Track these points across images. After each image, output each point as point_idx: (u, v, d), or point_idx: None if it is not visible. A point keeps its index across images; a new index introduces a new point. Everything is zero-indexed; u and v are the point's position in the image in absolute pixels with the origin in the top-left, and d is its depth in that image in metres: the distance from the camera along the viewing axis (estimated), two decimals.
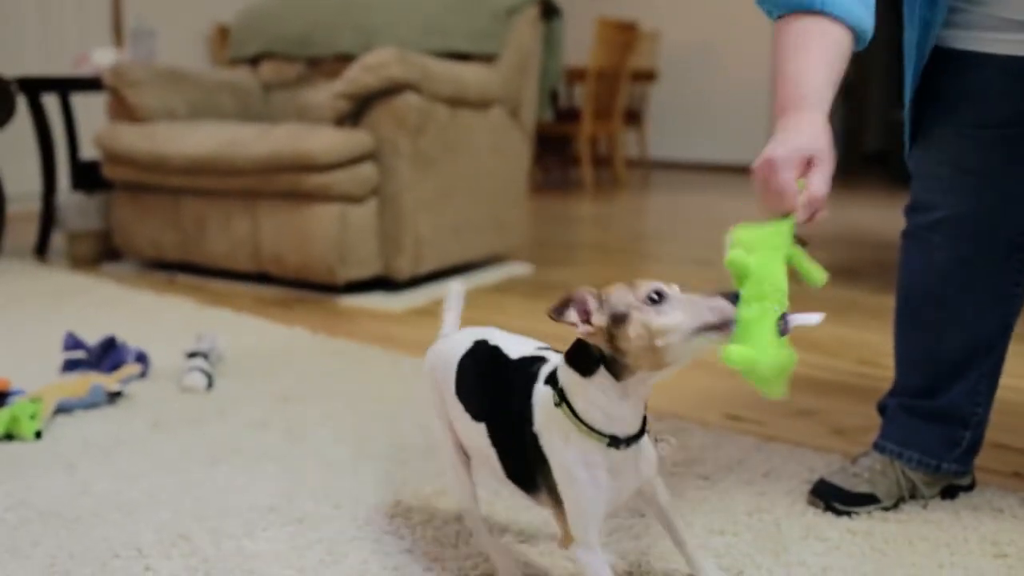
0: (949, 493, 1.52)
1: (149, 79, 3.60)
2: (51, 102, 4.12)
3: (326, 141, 2.90)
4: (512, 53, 3.40)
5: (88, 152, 4.24)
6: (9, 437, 1.80)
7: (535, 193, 6.22)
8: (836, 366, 2.34)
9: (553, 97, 3.80)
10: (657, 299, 0.98)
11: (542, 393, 1.07)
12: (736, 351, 0.95)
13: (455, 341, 1.24)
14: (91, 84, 3.95)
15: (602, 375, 1.01)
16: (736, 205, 5.78)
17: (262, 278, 3.28)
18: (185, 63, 6.24)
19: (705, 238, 4.43)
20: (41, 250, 3.95)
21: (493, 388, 1.14)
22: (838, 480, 1.48)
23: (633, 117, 7.22)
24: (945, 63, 1.38)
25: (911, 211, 1.49)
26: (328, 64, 3.80)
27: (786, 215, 1.11)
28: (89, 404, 1.95)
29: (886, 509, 1.47)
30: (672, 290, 1.00)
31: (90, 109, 4.88)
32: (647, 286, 0.99)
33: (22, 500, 1.53)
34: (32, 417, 1.80)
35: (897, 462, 1.50)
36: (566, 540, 1.07)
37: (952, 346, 1.46)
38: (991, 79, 1.35)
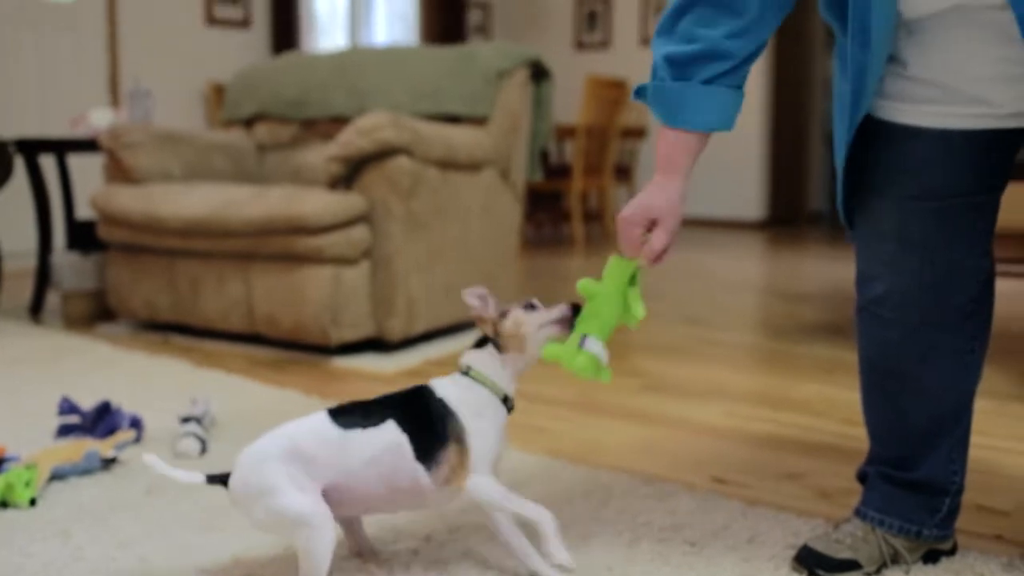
0: (931, 558, 1.55)
1: (145, 141, 3.66)
2: (48, 161, 4.17)
3: (320, 204, 2.95)
4: (502, 115, 3.47)
5: (84, 211, 4.29)
6: (3, 504, 1.81)
7: (526, 249, 6.28)
8: (822, 427, 2.37)
9: (543, 157, 3.87)
10: (530, 307, 1.48)
11: (445, 386, 1.46)
12: (548, 349, 1.43)
13: (283, 431, 1.46)
14: (88, 145, 4.01)
15: (490, 348, 1.48)
16: (724, 261, 5.84)
17: (255, 339, 3.31)
18: (181, 121, 6.33)
19: (694, 296, 4.48)
20: (36, 309, 3.98)
21: (395, 406, 1.46)
22: (821, 547, 1.51)
23: (623, 173, 7.30)
24: (880, 134, 1.41)
25: (859, 285, 1.50)
26: (322, 125, 3.87)
27: (632, 259, 1.46)
28: (84, 470, 1.97)
29: (868, 575, 1.50)
30: (538, 304, 1.49)
31: (86, 169, 4.94)
32: (525, 299, 1.50)
33: (17, 567, 1.55)
34: (27, 484, 1.82)
35: (879, 529, 1.52)
36: (466, 476, 1.39)
37: (918, 418, 1.49)
38: (926, 151, 1.37)
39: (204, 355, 3.19)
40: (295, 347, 3.22)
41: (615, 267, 1.45)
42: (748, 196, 8.00)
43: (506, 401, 1.47)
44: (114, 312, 3.72)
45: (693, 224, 8.04)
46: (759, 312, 4.15)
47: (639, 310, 1.44)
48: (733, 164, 7.97)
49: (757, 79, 7.84)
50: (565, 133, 6.44)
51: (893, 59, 1.38)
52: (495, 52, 3.53)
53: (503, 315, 1.47)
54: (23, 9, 5.79)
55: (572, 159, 6.51)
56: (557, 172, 6.52)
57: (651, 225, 1.45)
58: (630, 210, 1.45)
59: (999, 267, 1.52)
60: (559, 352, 1.41)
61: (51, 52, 5.87)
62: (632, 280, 1.46)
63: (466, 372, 1.48)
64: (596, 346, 1.40)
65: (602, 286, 1.44)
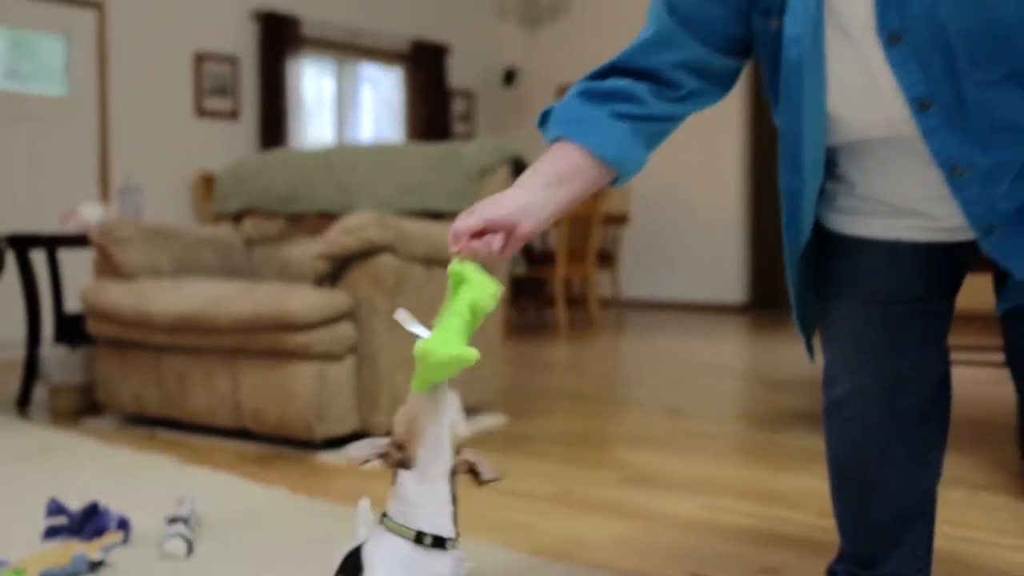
0: None
1: (135, 237, 3.73)
2: (38, 255, 4.24)
3: (306, 301, 3.02)
4: None
5: (72, 304, 4.35)
6: None
7: (511, 336, 6.35)
8: (799, 519, 2.41)
9: (525, 248, 3.95)
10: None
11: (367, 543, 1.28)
12: (418, 344, 1.26)
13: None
14: (78, 240, 4.08)
15: (401, 474, 1.27)
16: (705, 346, 5.91)
17: (242, 433, 3.35)
18: (170, 211, 6.43)
19: (675, 383, 4.54)
20: (23, 403, 4.01)
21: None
22: None
23: (606, 258, 7.41)
24: (833, 244, 1.49)
25: (824, 386, 1.58)
26: (309, 220, 3.96)
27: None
28: (71, 573, 2.00)
29: None
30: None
31: (75, 262, 5.01)
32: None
33: None
34: None
35: None
36: None
37: (882, 516, 1.55)
38: (878, 261, 1.45)
39: (191, 450, 3.22)
40: (281, 441, 3.25)
41: (455, 271, 1.33)
42: (729, 279, 8.12)
43: (420, 539, 1.25)
44: (101, 406, 3.75)
45: (674, 307, 8.13)
46: (739, 400, 4.20)
47: (490, 287, 1.31)
48: (714, 247, 8.11)
49: (736, 160, 8.02)
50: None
51: (842, 180, 1.47)
52: (478, 149, 3.63)
53: (393, 439, 1.31)
54: (16, 101, 5.91)
55: (555, 246, 6.62)
56: (541, 259, 6.63)
57: (484, 232, 1.36)
58: (464, 220, 1.35)
59: (964, 355, 1.60)
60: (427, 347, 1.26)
61: (43, 145, 5.98)
62: (471, 273, 1.32)
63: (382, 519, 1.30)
64: (418, 328, 1.31)
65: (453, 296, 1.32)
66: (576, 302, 7.72)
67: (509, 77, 9.05)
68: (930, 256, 1.45)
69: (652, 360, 5.31)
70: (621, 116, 1.40)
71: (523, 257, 3.91)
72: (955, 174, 1.28)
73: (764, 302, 8.38)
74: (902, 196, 1.40)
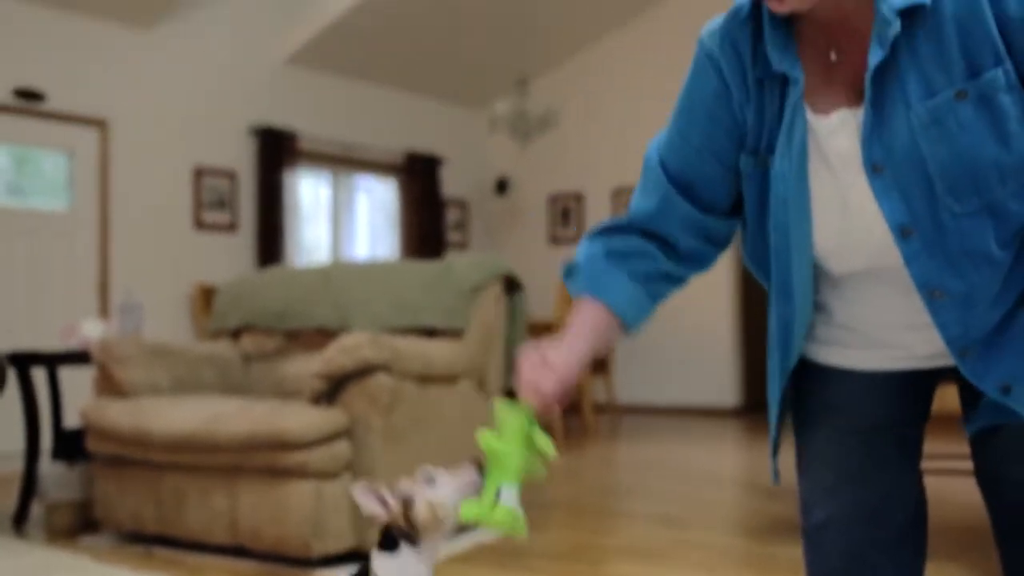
0: None
1: (136, 355, 3.80)
2: (38, 371, 4.30)
3: (303, 420, 3.08)
4: (478, 328, 3.66)
5: (71, 419, 4.39)
6: None
7: None
8: None
9: None
10: (430, 481, 1.41)
11: None
12: (465, 509, 1.35)
13: None
14: (78, 357, 4.15)
15: (405, 550, 1.38)
16: (700, 452, 5.94)
17: (238, 551, 3.37)
18: (168, 322, 6.52)
19: (671, 492, 4.57)
20: (20, 520, 4.02)
21: None
22: None
23: (599, 365, 7.48)
24: (813, 373, 1.55)
25: (802, 511, 1.61)
26: (306, 337, 4.04)
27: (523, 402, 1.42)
28: None
29: None
30: (439, 472, 1.43)
31: (76, 377, 5.07)
32: (421, 472, 1.43)
33: None
34: None
35: None
36: None
37: None
38: (854, 390, 1.51)
39: (187, 569, 3.24)
40: (277, 559, 3.27)
41: (507, 413, 1.40)
42: (722, 383, 8.18)
43: None
44: (98, 523, 3.77)
45: (668, 412, 8.17)
46: (735, 509, 4.23)
47: (548, 449, 1.40)
48: (706, 351, 8.19)
49: (726, 263, 8.15)
50: (541, 330, 6.64)
51: (821, 308, 1.55)
52: (470, 267, 3.74)
53: (408, 503, 1.40)
54: (17, 217, 6.05)
55: None
56: None
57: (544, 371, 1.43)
58: (531, 354, 1.44)
59: (943, 463, 1.65)
60: (478, 512, 1.35)
61: (44, 260, 6.09)
62: (530, 422, 1.41)
63: None
64: (512, 498, 1.35)
65: (503, 436, 1.38)
66: (571, 408, 7.76)
67: (501, 186, 9.25)
68: (904, 384, 1.51)
69: (647, 467, 5.34)
70: (638, 276, 1.52)
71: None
72: (934, 298, 1.35)
73: (758, 405, 8.42)
74: (879, 325, 1.47)
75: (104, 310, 6.27)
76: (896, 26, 1.26)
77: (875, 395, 1.52)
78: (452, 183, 9.00)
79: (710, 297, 8.19)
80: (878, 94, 1.30)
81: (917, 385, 1.52)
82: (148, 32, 6.70)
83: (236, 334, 4.28)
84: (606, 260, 1.53)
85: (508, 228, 9.37)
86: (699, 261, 1.58)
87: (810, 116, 1.37)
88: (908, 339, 1.45)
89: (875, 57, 1.28)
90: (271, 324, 4.12)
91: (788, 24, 1.38)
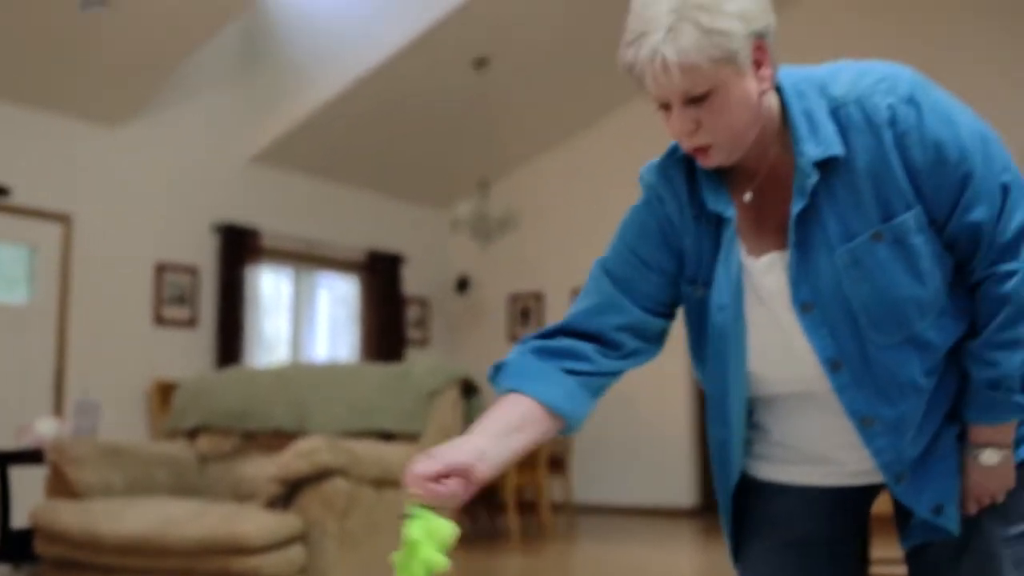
0: None
1: (91, 455, 3.78)
2: None
3: (258, 525, 3.07)
4: (435, 432, 3.69)
5: (20, 519, 4.33)
6: None
7: (463, 544, 6.31)
8: None
9: None
10: None
11: None
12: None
13: None
14: (31, 456, 4.11)
15: None
16: (657, 554, 5.93)
17: None
18: (125, 418, 6.45)
19: None
20: None
21: None
22: None
23: (557, 464, 7.49)
24: (752, 488, 1.61)
25: None
26: (263, 438, 4.04)
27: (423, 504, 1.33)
28: None
29: None
30: None
31: (27, 476, 5.00)
32: None
33: None
34: None
35: None
36: None
37: None
38: (791, 505, 1.57)
39: None
40: None
41: (407, 526, 1.32)
42: (679, 483, 8.19)
43: None
44: None
45: (626, 512, 8.16)
46: None
47: (435, 562, 1.30)
48: (663, 451, 8.22)
49: (682, 365, 8.25)
50: None
51: (758, 427, 1.61)
52: (428, 371, 3.79)
53: None
54: None
55: None
56: None
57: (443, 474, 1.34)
58: (425, 464, 1.33)
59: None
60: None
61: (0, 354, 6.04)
62: (422, 526, 1.32)
63: None
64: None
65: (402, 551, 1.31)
66: (528, 507, 7.74)
67: (462, 285, 9.35)
68: (840, 499, 1.57)
69: (606, 571, 5.32)
70: (570, 372, 1.50)
71: None
72: (865, 425, 1.43)
73: (715, 505, 8.42)
74: (814, 443, 1.54)
75: (60, 406, 6.20)
76: (814, 177, 1.36)
77: (811, 510, 1.57)
78: (413, 281, 9.09)
79: (667, 397, 8.26)
80: (802, 238, 1.39)
81: (853, 500, 1.58)
82: (115, 130, 6.79)
83: (192, 434, 4.27)
84: (537, 357, 1.50)
85: (468, 326, 9.44)
86: (636, 358, 1.58)
87: (744, 256, 1.46)
88: (843, 456, 1.51)
89: (796, 205, 1.38)
90: (228, 425, 4.12)
91: (719, 167, 1.46)
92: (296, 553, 3.14)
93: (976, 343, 1.39)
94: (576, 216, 8.79)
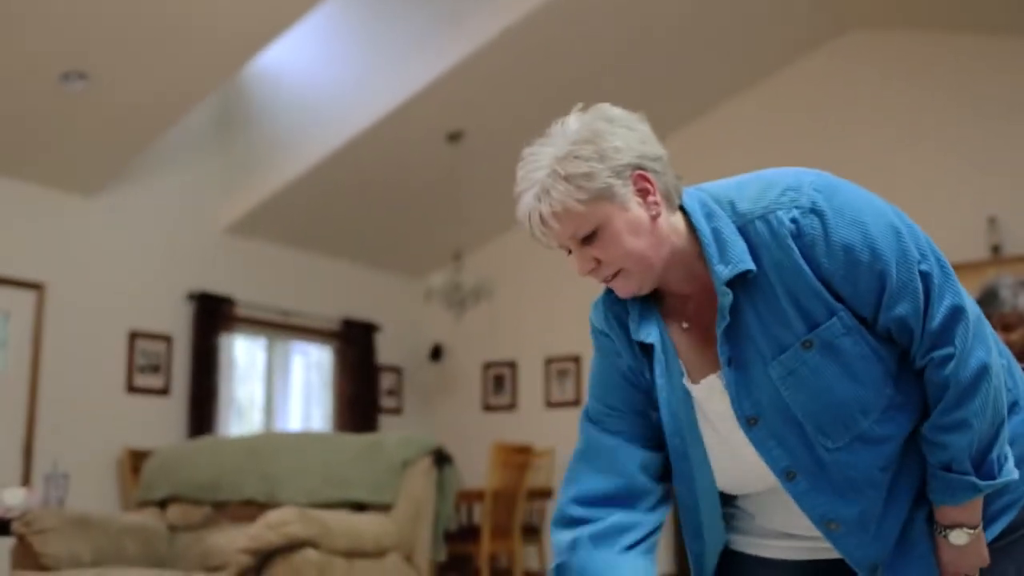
0: None
1: (58, 527, 3.75)
2: None
3: None
4: (407, 502, 3.70)
5: None
6: None
7: None
8: None
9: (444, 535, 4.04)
10: None
11: None
12: None
13: None
14: None
15: None
16: None
17: None
18: (95, 487, 6.39)
19: None
20: None
21: None
22: None
23: (531, 532, 7.45)
24: (736, 562, 1.64)
25: None
26: (233, 508, 4.03)
27: None
28: None
29: None
30: None
31: None
32: None
33: None
34: None
35: None
36: None
37: None
38: None
39: None
40: None
41: None
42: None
43: None
44: None
45: None
46: None
47: None
48: None
49: None
50: (473, 497, 6.64)
51: (740, 508, 1.64)
52: (400, 442, 3.81)
53: None
54: None
55: (480, 521, 6.67)
56: (466, 534, 6.65)
57: None
58: None
59: None
60: None
61: None
62: None
63: None
64: None
65: None
66: (502, 575, 7.68)
67: (436, 353, 9.37)
68: (819, 571, 1.58)
69: None
70: (630, 547, 1.53)
71: (444, 541, 4.00)
72: (830, 528, 1.46)
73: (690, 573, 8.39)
74: (793, 527, 1.56)
75: (28, 475, 6.14)
76: (728, 296, 1.40)
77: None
78: (387, 350, 9.10)
79: None
80: (735, 355, 1.43)
81: (830, 572, 1.57)
82: (90, 199, 6.82)
83: (163, 504, 4.25)
84: (595, 547, 1.52)
85: (442, 395, 9.44)
86: (665, 501, 1.60)
87: (687, 384, 1.50)
88: (820, 532, 1.53)
89: (720, 325, 1.42)
90: (199, 495, 4.11)
91: (652, 297, 1.52)
92: None
93: (926, 427, 1.42)
94: (549, 286, 8.87)
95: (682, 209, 1.47)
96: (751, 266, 1.39)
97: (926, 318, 1.38)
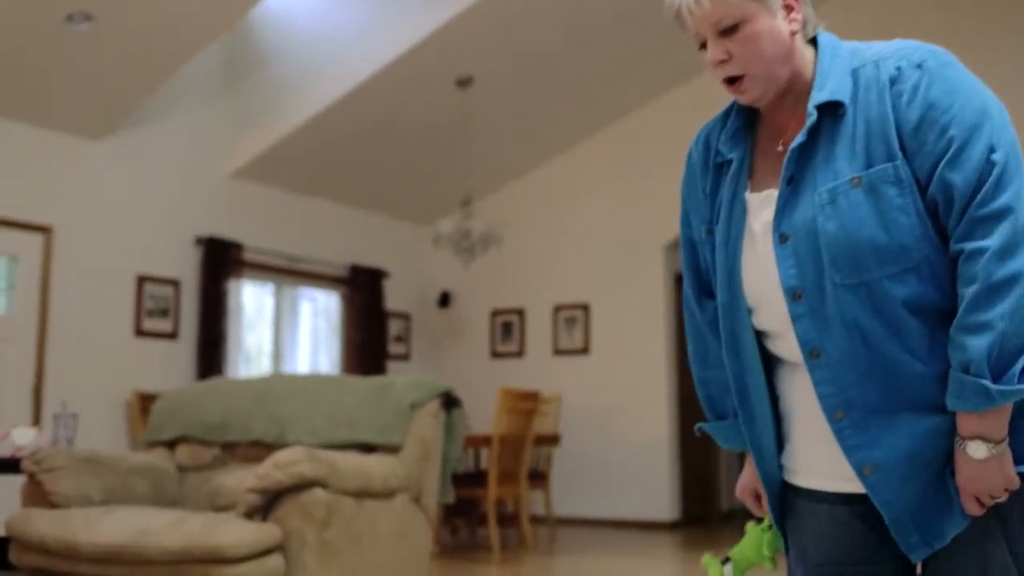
0: None
1: (67, 466, 3.77)
2: None
3: (236, 535, 3.08)
4: (415, 444, 3.70)
5: None
6: None
7: (442, 557, 6.33)
8: None
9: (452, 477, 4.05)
10: None
11: None
12: (706, 561, 1.72)
13: None
14: (7, 465, 4.09)
15: None
16: (637, 566, 5.94)
17: None
18: (104, 429, 6.44)
19: None
20: None
21: None
22: None
23: (538, 478, 7.49)
24: (789, 499, 1.63)
25: None
26: (242, 449, 4.04)
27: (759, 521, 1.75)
28: None
29: None
30: None
31: (2, 484, 4.97)
32: None
33: None
34: None
35: None
36: None
37: None
38: (822, 522, 1.56)
39: None
40: None
41: (751, 530, 1.77)
42: (659, 497, 8.21)
43: None
44: None
45: (605, 525, 8.17)
46: None
47: (767, 551, 1.73)
48: (644, 465, 8.24)
49: (665, 378, 8.28)
50: (480, 442, 6.67)
51: (782, 417, 1.64)
52: (408, 385, 3.80)
53: None
54: None
55: (487, 466, 6.71)
56: (473, 479, 6.69)
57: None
58: (739, 488, 1.80)
59: None
60: (709, 564, 1.71)
61: None
62: (766, 534, 1.74)
63: None
64: (728, 570, 1.71)
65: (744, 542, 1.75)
66: (508, 520, 7.74)
67: (444, 300, 9.36)
68: (863, 515, 1.53)
69: None
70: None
71: (453, 485, 4.01)
72: (812, 357, 1.50)
73: (695, 518, 8.46)
74: (817, 418, 1.53)
75: (38, 417, 6.18)
76: (813, 116, 1.49)
77: (838, 528, 1.56)
78: (395, 296, 9.10)
79: (648, 412, 8.29)
80: (796, 174, 1.52)
81: (879, 520, 1.52)
82: (98, 142, 6.79)
83: (171, 445, 4.26)
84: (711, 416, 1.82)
85: (450, 341, 9.45)
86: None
87: (748, 194, 1.60)
88: (806, 366, 1.53)
89: (796, 141, 1.51)
90: (207, 436, 4.12)
91: (751, 117, 1.63)
92: (274, 563, 3.14)
93: (952, 326, 1.41)
94: (559, 234, 8.84)
95: (812, 44, 1.58)
96: (843, 99, 1.49)
97: (973, 200, 1.39)
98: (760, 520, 1.76)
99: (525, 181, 9.09)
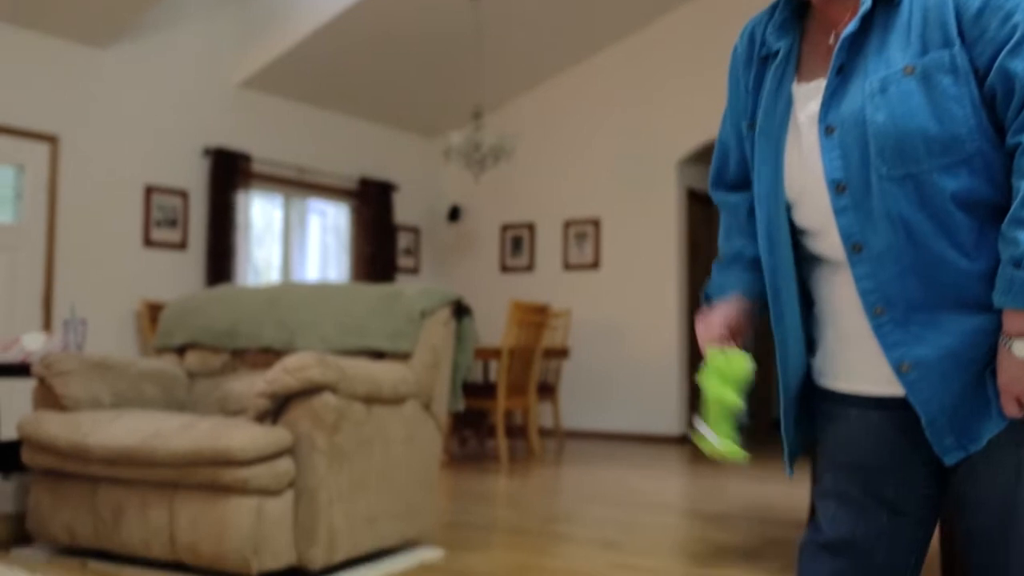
0: None
1: (77, 370, 3.77)
2: None
3: (246, 438, 3.07)
4: (425, 351, 3.68)
5: (8, 431, 4.34)
6: None
7: (451, 466, 6.38)
8: None
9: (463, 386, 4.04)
10: None
11: None
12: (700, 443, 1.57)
13: None
14: (18, 370, 4.10)
15: None
16: (644, 479, 5.99)
17: (176, 567, 3.35)
18: (114, 338, 6.46)
19: (612, 517, 4.61)
20: None
21: None
22: None
23: (547, 390, 7.52)
24: (819, 403, 1.59)
25: (810, 522, 1.62)
26: (251, 356, 4.03)
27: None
28: None
29: None
30: None
31: (14, 389, 5.01)
32: None
33: None
34: None
35: None
36: None
37: None
38: (853, 428, 1.53)
39: None
40: (216, 575, 3.26)
41: (710, 359, 1.61)
42: (667, 411, 8.25)
43: None
44: (32, 536, 3.72)
45: (613, 438, 8.23)
46: (677, 534, 4.28)
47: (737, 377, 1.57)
48: (652, 379, 8.26)
49: (674, 291, 8.26)
50: (490, 354, 6.68)
51: (815, 320, 1.61)
52: (419, 293, 3.77)
53: None
54: None
55: (497, 378, 6.73)
56: (483, 390, 6.72)
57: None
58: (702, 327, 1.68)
59: None
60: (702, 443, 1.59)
61: None
62: (728, 368, 1.58)
63: None
64: (706, 430, 1.57)
65: (705, 382, 1.60)
66: (517, 434, 7.79)
67: (454, 214, 9.30)
68: (897, 425, 1.50)
69: (591, 492, 5.37)
70: (747, 267, 1.71)
71: (463, 393, 4.01)
72: (854, 251, 1.46)
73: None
74: (854, 316, 1.50)
75: (48, 324, 6.19)
76: (868, 3, 1.45)
77: (870, 434, 1.53)
78: (405, 209, 9.04)
79: (657, 325, 8.28)
80: (847, 63, 1.47)
81: (910, 429, 1.49)
82: (104, 51, 6.67)
83: (181, 351, 4.26)
84: (717, 269, 1.78)
85: (459, 255, 9.42)
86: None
87: (795, 85, 1.55)
88: (845, 256, 1.50)
89: (848, 29, 1.46)
90: (217, 343, 4.11)
91: (800, 9, 1.59)
92: (284, 466, 3.15)
93: (1005, 220, 1.36)
94: (570, 148, 8.73)
95: None
96: None
97: None
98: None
99: (537, 93, 8.95)
